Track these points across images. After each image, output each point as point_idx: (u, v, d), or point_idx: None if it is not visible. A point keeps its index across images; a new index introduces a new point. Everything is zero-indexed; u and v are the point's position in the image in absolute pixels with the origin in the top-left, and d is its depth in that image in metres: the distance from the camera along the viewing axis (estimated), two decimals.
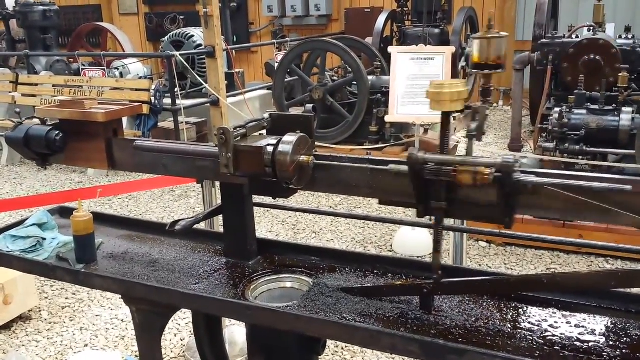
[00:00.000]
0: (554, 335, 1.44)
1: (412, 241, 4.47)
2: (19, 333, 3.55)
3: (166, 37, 8.50)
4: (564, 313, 1.53)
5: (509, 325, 1.49)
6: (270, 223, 5.16)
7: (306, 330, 1.57)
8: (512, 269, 4.17)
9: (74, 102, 2.08)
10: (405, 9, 9.28)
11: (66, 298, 3.94)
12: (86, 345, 3.41)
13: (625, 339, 1.41)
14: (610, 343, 1.39)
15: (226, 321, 3.17)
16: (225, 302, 1.69)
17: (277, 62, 7.45)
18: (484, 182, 1.32)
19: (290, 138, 1.55)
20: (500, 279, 1.60)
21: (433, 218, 1.49)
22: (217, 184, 2.11)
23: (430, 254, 4.44)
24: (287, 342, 1.79)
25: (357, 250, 4.50)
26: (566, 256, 4.32)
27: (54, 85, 7.28)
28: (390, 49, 4.81)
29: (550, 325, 1.48)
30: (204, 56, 6.65)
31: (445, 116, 1.38)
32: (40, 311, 3.77)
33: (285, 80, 7.03)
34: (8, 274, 3.48)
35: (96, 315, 3.72)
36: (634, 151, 4.41)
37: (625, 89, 4.92)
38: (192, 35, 8.19)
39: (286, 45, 8.31)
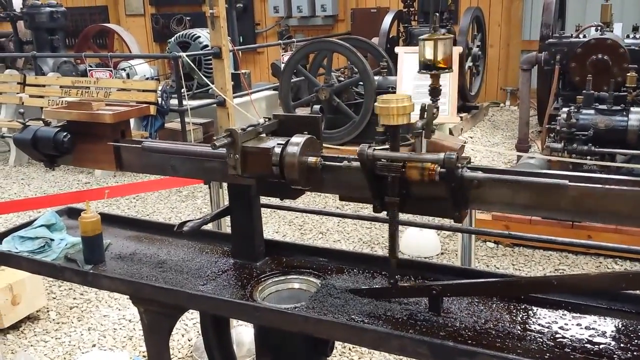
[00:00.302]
0: (564, 337, 1.43)
1: (420, 242, 4.46)
2: (27, 333, 3.56)
3: (172, 38, 8.54)
4: (574, 315, 1.52)
5: (519, 327, 1.48)
6: (277, 223, 5.16)
7: (314, 332, 1.57)
8: (520, 270, 4.15)
9: (81, 104, 2.09)
10: (412, 9, 9.26)
11: (74, 298, 3.95)
12: (94, 346, 3.42)
13: (636, 341, 1.40)
14: (622, 345, 1.38)
15: (233, 321, 3.17)
16: (233, 303, 1.69)
17: (283, 63, 7.47)
18: (431, 178, 1.39)
19: (298, 139, 1.55)
20: (510, 280, 1.60)
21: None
22: (225, 184, 2.10)
23: (437, 255, 4.43)
24: (295, 343, 1.78)
25: (365, 251, 4.50)
26: (574, 257, 4.29)
27: (61, 87, 7.30)
28: (396, 49, 4.82)
29: (561, 327, 1.47)
30: (211, 57, 6.69)
31: (393, 129, 1.46)
32: (48, 311, 3.78)
33: (292, 80, 7.03)
34: (16, 275, 3.51)
35: (104, 316, 3.73)
36: None
37: (633, 89, 4.89)
38: (199, 36, 8.21)
39: (292, 46, 8.30)
